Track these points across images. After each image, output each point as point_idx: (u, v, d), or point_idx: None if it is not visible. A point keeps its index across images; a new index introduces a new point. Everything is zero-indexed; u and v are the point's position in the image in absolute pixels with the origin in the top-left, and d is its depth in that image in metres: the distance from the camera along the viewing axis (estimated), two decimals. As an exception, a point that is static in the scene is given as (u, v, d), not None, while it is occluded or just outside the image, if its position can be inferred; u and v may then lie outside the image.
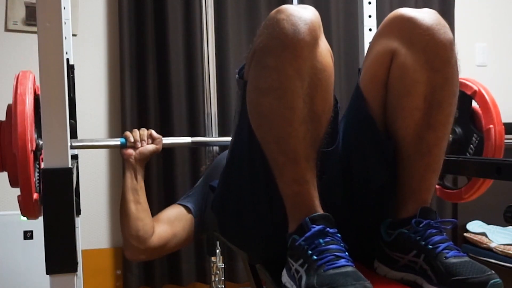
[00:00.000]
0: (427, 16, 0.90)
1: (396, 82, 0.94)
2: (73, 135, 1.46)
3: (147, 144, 1.25)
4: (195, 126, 2.32)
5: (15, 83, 0.94)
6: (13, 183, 0.91)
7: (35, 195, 0.89)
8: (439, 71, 0.89)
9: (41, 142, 0.90)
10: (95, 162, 2.33)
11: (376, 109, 0.98)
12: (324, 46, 0.86)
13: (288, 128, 0.83)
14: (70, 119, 0.91)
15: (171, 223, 1.24)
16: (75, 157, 1.48)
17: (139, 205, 1.20)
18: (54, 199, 0.81)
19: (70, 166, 0.82)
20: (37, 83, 0.84)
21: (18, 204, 0.92)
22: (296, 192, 0.85)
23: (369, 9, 1.58)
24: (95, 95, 2.34)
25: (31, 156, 0.87)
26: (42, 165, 0.83)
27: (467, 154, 1.30)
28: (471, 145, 1.28)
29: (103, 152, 2.35)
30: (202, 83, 2.09)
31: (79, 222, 1.59)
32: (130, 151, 1.23)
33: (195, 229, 1.26)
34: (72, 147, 1.27)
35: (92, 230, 2.33)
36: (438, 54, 0.89)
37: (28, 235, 2.02)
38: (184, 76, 2.33)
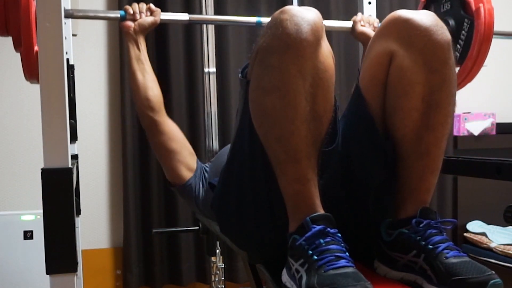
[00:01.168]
0: (424, 17, 0.90)
1: (395, 83, 0.94)
2: (73, 135, 1.46)
3: (146, 16, 1.32)
4: (195, 126, 2.32)
5: None
6: (17, 44, 0.94)
7: (36, 47, 0.88)
8: (437, 71, 0.90)
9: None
10: (95, 162, 2.33)
11: (375, 109, 0.98)
12: (326, 47, 0.86)
13: (290, 126, 0.83)
14: (70, 119, 0.91)
15: (182, 142, 1.36)
16: (75, 157, 1.48)
17: (146, 74, 1.30)
18: (54, 199, 0.81)
19: (70, 166, 0.82)
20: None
21: (21, 64, 0.95)
22: (297, 191, 0.85)
23: (369, 9, 1.59)
24: (95, 95, 2.34)
25: (33, 3, 0.87)
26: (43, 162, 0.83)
27: (459, 42, 1.31)
28: (463, 31, 1.30)
29: (103, 152, 2.35)
30: (202, 83, 2.09)
31: (79, 222, 1.59)
32: (129, 23, 1.31)
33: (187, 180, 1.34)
34: (73, 16, 1.30)
35: (92, 230, 2.33)
36: (435, 54, 0.89)
37: (28, 235, 2.02)
38: (184, 76, 2.33)
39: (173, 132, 1.35)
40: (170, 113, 2.27)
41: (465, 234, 2.62)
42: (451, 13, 1.32)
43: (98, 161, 2.34)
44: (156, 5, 2.32)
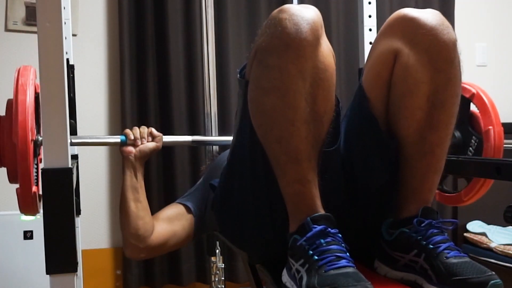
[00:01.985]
0: (430, 16, 0.90)
1: (399, 82, 0.94)
2: (73, 134, 1.46)
3: (147, 142, 1.23)
4: (195, 126, 2.32)
5: (16, 75, 0.94)
6: (12, 178, 0.91)
7: (34, 188, 0.88)
8: (442, 71, 0.89)
9: (40, 138, 0.90)
10: (95, 162, 2.33)
11: (378, 109, 0.98)
12: (326, 46, 0.86)
13: (290, 127, 0.83)
14: (70, 119, 0.92)
15: (171, 222, 1.23)
16: (75, 157, 1.48)
17: (139, 204, 1.19)
18: (54, 199, 0.81)
19: (70, 166, 0.82)
20: (38, 77, 0.84)
21: (17, 199, 0.91)
22: (297, 191, 0.85)
23: (369, 9, 1.58)
24: (95, 95, 2.34)
25: (31, 146, 0.87)
26: (42, 165, 0.83)
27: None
28: (470, 148, 1.28)
29: (103, 152, 2.35)
30: (202, 83, 2.08)
31: (79, 222, 1.59)
32: (130, 148, 1.21)
33: (194, 228, 1.25)
34: (72, 144, 1.26)
35: (92, 230, 2.33)
36: (441, 54, 0.89)
37: (28, 235, 2.02)
38: (184, 76, 2.33)
39: (160, 239, 1.21)
40: (170, 113, 2.29)
41: (465, 234, 2.61)
42: (458, 126, 1.29)
43: (98, 161, 2.34)
44: (156, 5, 2.33)
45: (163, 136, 1.28)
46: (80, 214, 1.58)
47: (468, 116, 1.30)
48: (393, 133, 0.97)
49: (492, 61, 2.93)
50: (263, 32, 0.85)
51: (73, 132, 1.46)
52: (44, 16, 0.79)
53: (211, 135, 1.67)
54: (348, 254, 0.81)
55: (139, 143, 1.22)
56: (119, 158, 2.28)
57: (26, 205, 0.91)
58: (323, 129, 0.87)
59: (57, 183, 0.81)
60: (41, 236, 0.81)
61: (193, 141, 1.40)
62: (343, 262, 0.78)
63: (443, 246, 0.84)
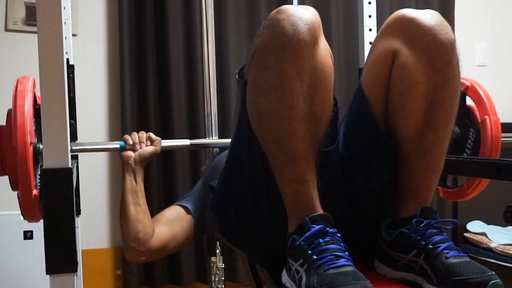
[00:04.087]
0: (429, 17, 0.90)
1: (398, 82, 0.94)
2: (73, 135, 1.46)
3: (146, 146, 1.26)
4: (195, 126, 2.32)
5: (15, 84, 0.95)
6: (14, 185, 0.91)
7: (35, 191, 0.89)
8: (440, 71, 0.90)
9: (41, 146, 0.91)
10: (95, 162, 2.33)
11: (377, 109, 0.98)
12: (323, 46, 0.86)
13: (288, 127, 0.83)
14: (70, 119, 0.91)
15: (171, 224, 1.23)
16: (75, 157, 1.48)
17: (138, 207, 1.20)
18: (54, 199, 0.81)
19: (70, 166, 0.82)
20: (37, 87, 0.85)
21: (19, 205, 0.91)
22: (296, 191, 0.85)
23: (369, 9, 1.58)
24: (95, 95, 2.34)
25: (30, 148, 0.87)
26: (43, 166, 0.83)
27: (466, 150, 1.30)
28: (469, 140, 1.28)
29: (103, 152, 2.35)
30: (202, 83, 2.09)
31: (79, 222, 1.59)
32: (129, 153, 1.23)
33: (194, 229, 1.25)
34: (73, 151, 1.27)
35: (92, 230, 2.33)
36: (439, 54, 0.89)
37: (28, 235, 2.02)
38: (184, 76, 2.33)
39: (161, 242, 1.21)
40: (170, 113, 2.29)
41: (465, 234, 2.61)
42: (455, 121, 1.31)
43: (98, 161, 2.34)
44: (156, 5, 2.33)
45: (162, 140, 1.29)
46: (80, 214, 1.58)
47: (464, 110, 1.30)
48: (392, 133, 0.97)
49: (492, 61, 2.93)
50: (261, 32, 0.85)
51: (73, 132, 1.46)
52: (44, 16, 0.79)
53: (211, 135, 1.67)
54: (347, 253, 0.81)
55: (138, 147, 1.24)
56: (119, 158, 2.28)
57: (27, 209, 0.91)
58: (321, 129, 0.87)
59: (57, 183, 0.81)
60: (41, 236, 0.81)
61: (191, 145, 1.41)
62: (342, 261, 0.78)
63: (443, 246, 0.84)
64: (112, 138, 2.36)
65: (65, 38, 0.86)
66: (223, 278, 1.72)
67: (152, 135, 1.28)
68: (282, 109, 0.82)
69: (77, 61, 1.64)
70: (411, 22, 0.91)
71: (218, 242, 1.68)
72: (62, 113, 0.81)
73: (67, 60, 1.50)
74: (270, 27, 0.83)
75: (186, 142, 1.41)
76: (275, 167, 0.86)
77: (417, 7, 2.63)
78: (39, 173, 0.93)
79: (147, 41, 2.29)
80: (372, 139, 0.98)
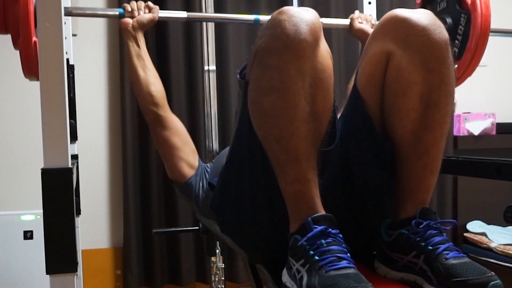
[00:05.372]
0: (422, 16, 0.90)
1: (392, 83, 0.94)
2: (73, 135, 1.46)
3: (144, 13, 1.35)
4: (195, 126, 2.32)
5: None
6: (15, 42, 0.94)
7: (35, 38, 0.89)
8: (435, 71, 0.89)
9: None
10: (95, 162, 2.33)
11: (373, 110, 0.98)
12: (324, 48, 0.86)
13: (289, 127, 0.83)
14: (70, 119, 0.91)
15: (185, 137, 1.37)
16: (75, 157, 1.48)
17: (147, 70, 1.32)
18: (54, 199, 0.81)
19: (70, 166, 0.82)
20: None
21: (20, 60, 0.94)
22: (297, 191, 0.85)
23: (369, 9, 1.59)
24: (95, 95, 2.34)
25: None
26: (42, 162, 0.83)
27: (457, 37, 1.31)
28: (460, 26, 1.30)
29: (103, 152, 2.35)
30: (202, 83, 2.09)
31: (79, 222, 1.59)
32: (128, 20, 1.33)
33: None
34: (72, 14, 1.32)
35: (92, 230, 2.33)
36: (433, 54, 0.89)
37: (28, 235, 2.02)
38: (184, 77, 2.33)
39: (177, 127, 1.36)
40: (170, 113, 2.29)
41: (465, 234, 2.62)
42: (447, 11, 1.33)
43: (98, 161, 2.34)
44: (156, 5, 2.33)
45: (159, 10, 1.38)
46: (80, 214, 1.58)
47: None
48: (388, 133, 0.97)
49: (492, 61, 2.93)
50: (263, 33, 0.85)
51: (73, 132, 1.46)
52: (44, 16, 0.79)
53: (211, 135, 1.68)
54: (349, 254, 0.81)
55: (136, 14, 1.34)
56: (120, 158, 2.27)
57: (28, 61, 0.93)
58: (322, 128, 0.87)
59: (57, 183, 0.81)
60: (41, 236, 0.81)
61: (188, 17, 1.45)
62: (344, 263, 0.78)
63: (442, 247, 0.84)
64: (112, 138, 2.36)
65: (65, 38, 0.86)
66: (223, 278, 1.72)
67: (150, 3, 1.37)
68: (284, 109, 0.83)
69: (77, 61, 1.64)
70: (404, 22, 0.90)
71: (218, 242, 1.68)
72: (62, 113, 0.81)
73: (67, 60, 1.50)
74: (272, 27, 0.83)
75: (183, 14, 1.44)
76: (276, 167, 0.86)
77: (417, 6, 2.63)
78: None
79: (147, 41, 2.27)
80: (368, 139, 0.98)
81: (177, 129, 1.36)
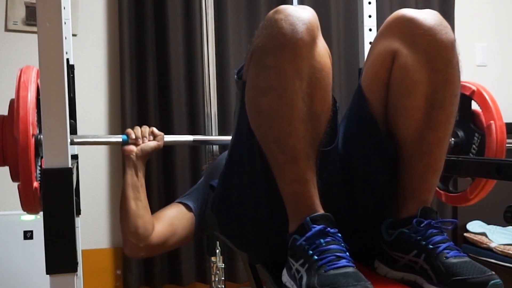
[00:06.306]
0: (428, 16, 0.90)
1: (397, 82, 0.94)
2: (73, 134, 1.46)
3: (149, 141, 1.24)
4: (195, 126, 2.32)
5: (18, 74, 0.94)
6: (14, 176, 0.91)
7: (35, 183, 0.88)
8: (440, 71, 0.89)
9: (42, 137, 0.91)
10: (95, 162, 2.33)
11: (377, 109, 0.98)
12: (322, 46, 0.86)
13: (287, 127, 0.83)
14: (70, 119, 0.91)
15: (171, 221, 1.23)
16: (75, 157, 1.48)
17: (139, 202, 1.18)
18: (54, 199, 0.81)
19: (70, 166, 0.82)
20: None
21: (19, 197, 0.91)
22: (296, 191, 0.85)
23: (369, 9, 1.58)
24: (95, 95, 2.34)
25: (32, 140, 0.87)
26: (43, 165, 0.83)
27: (470, 155, 1.30)
28: (473, 145, 1.28)
29: (103, 152, 2.35)
30: (202, 83, 2.09)
31: (79, 222, 1.59)
32: (131, 147, 1.21)
33: (195, 227, 1.25)
34: (73, 143, 1.27)
35: (92, 230, 2.33)
36: (439, 54, 0.89)
37: (28, 235, 2.02)
38: (184, 76, 2.33)
39: (160, 238, 1.19)
40: (170, 113, 2.29)
41: (465, 234, 2.61)
42: (460, 125, 1.30)
43: (98, 161, 2.34)
44: (156, 5, 2.33)
45: (164, 136, 1.28)
46: (80, 214, 1.58)
47: (469, 114, 1.30)
48: (392, 133, 0.97)
49: (492, 61, 2.93)
50: (259, 33, 0.85)
51: (73, 132, 1.46)
52: (44, 16, 0.79)
53: (211, 135, 1.67)
54: (348, 253, 0.81)
55: (141, 142, 1.22)
56: (120, 158, 2.27)
57: (28, 202, 0.91)
58: (321, 128, 0.87)
59: (57, 183, 0.81)
60: (41, 236, 0.81)
61: (194, 141, 1.41)
62: (343, 262, 0.78)
63: (443, 246, 0.84)
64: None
65: (65, 38, 0.86)
66: (223, 278, 1.72)
67: (155, 129, 1.26)
68: (281, 108, 0.82)
69: (77, 61, 1.64)
70: (411, 22, 0.90)
71: (218, 242, 1.68)
72: (62, 113, 0.81)
73: (67, 60, 1.50)
74: (269, 27, 0.83)
75: (189, 138, 1.40)
76: (275, 167, 0.86)
77: (417, 7, 2.63)
78: (39, 164, 0.93)
79: (147, 41, 2.29)
80: (372, 139, 0.98)
81: (162, 240, 1.19)
